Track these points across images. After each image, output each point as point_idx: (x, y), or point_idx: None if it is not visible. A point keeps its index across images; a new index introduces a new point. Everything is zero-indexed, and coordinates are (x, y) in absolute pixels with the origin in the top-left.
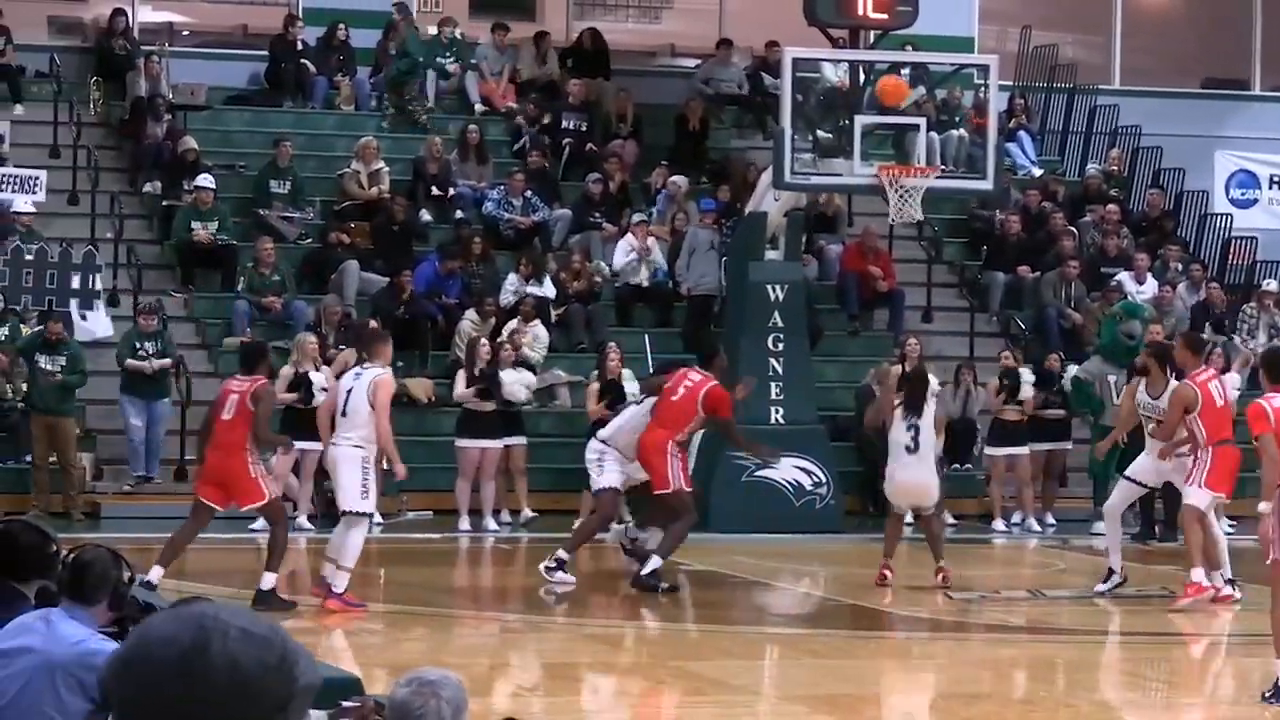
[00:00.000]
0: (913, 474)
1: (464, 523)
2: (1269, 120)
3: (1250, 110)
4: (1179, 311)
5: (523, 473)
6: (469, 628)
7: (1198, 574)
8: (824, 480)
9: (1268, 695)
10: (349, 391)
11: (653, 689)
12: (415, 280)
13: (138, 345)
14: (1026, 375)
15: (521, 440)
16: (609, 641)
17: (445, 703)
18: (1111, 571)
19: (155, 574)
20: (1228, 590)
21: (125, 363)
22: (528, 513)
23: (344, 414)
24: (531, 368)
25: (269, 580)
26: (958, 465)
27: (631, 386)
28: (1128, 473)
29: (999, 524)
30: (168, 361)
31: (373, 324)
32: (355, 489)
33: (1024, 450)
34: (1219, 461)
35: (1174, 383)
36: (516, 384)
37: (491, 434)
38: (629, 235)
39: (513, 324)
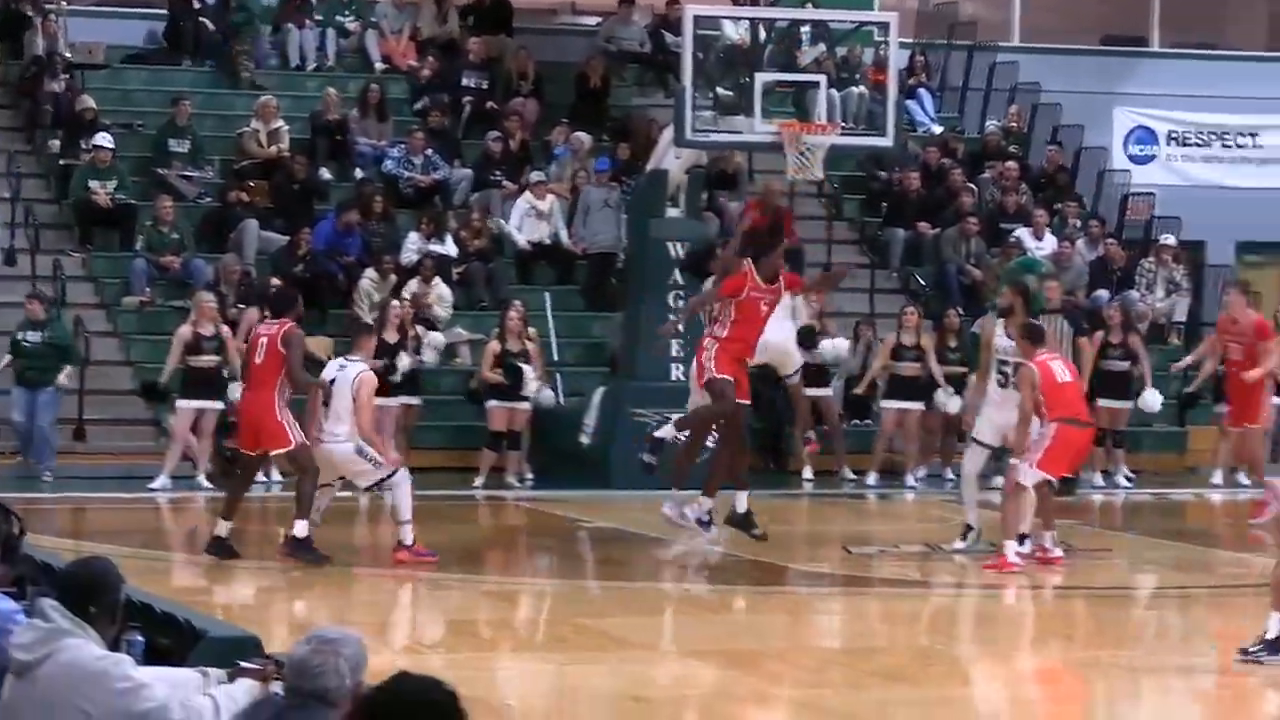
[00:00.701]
0: (772, 332)
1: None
2: (1167, 77)
3: (1149, 67)
4: (1078, 267)
5: (410, 430)
6: (369, 586)
7: (1010, 547)
8: None
9: (1253, 651)
10: (331, 383)
11: (554, 645)
12: (315, 238)
13: (20, 337)
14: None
15: (417, 400)
16: (509, 599)
17: (345, 660)
18: (969, 528)
19: (223, 528)
20: (1057, 552)
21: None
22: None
23: (326, 405)
24: (436, 327)
25: (301, 528)
26: (857, 421)
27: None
28: (973, 434)
29: (909, 479)
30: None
31: (359, 316)
32: (366, 469)
33: (919, 406)
34: (1057, 442)
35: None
36: (426, 349)
37: (389, 392)
38: (527, 194)
39: (414, 285)
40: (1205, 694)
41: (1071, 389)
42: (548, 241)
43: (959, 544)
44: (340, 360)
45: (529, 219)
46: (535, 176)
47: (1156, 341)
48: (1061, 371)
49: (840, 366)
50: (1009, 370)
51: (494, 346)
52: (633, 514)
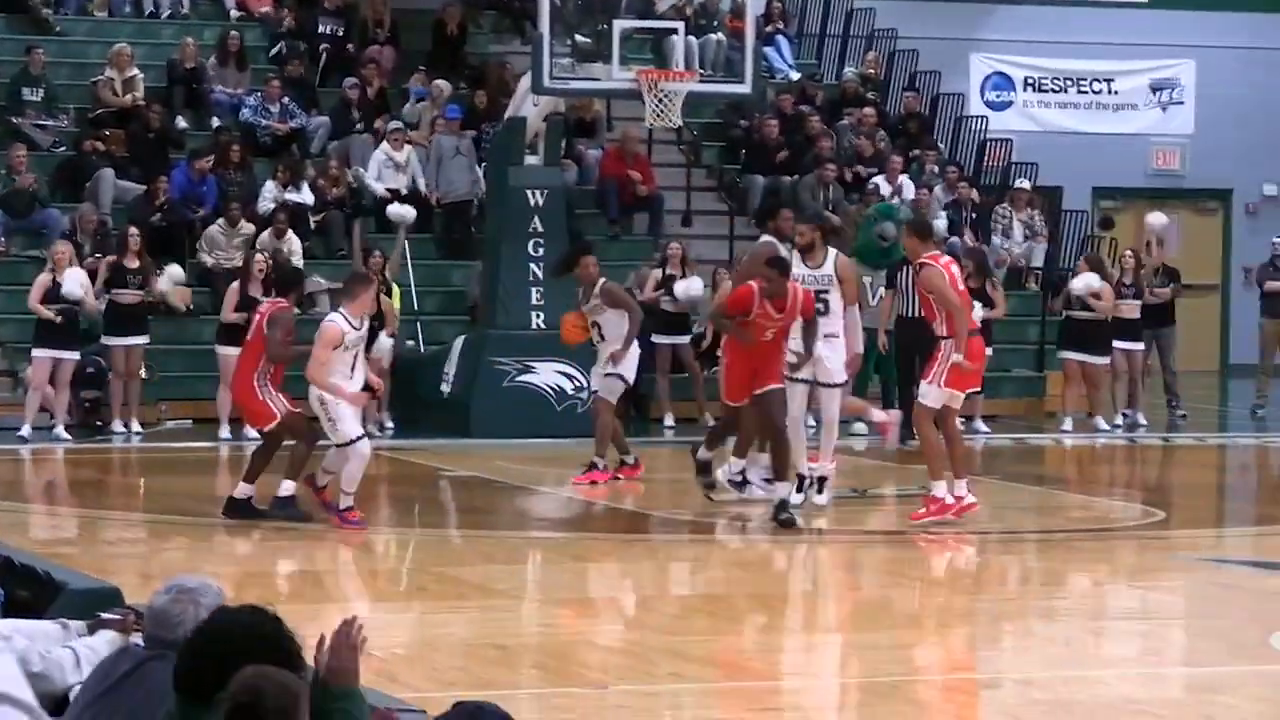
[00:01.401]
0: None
1: (224, 431)
2: (1024, 23)
3: (1005, 13)
4: (935, 213)
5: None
6: (229, 536)
7: (939, 487)
8: (585, 385)
9: None
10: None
11: (415, 594)
12: (171, 187)
13: None
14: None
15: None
16: (369, 548)
17: (204, 609)
18: (801, 477)
19: (287, 487)
20: (970, 499)
21: None
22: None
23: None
24: None
25: (287, 487)
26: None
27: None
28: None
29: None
30: None
31: (359, 268)
32: (327, 427)
33: None
34: (968, 354)
35: (833, 253)
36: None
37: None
38: (385, 143)
39: (264, 238)
40: (1064, 637)
41: (967, 299)
42: (405, 190)
43: (795, 498)
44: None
45: (387, 168)
46: (393, 126)
47: (1014, 287)
48: (961, 278)
49: (700, 312)
50: (828, 298)
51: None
52: (494, 462)
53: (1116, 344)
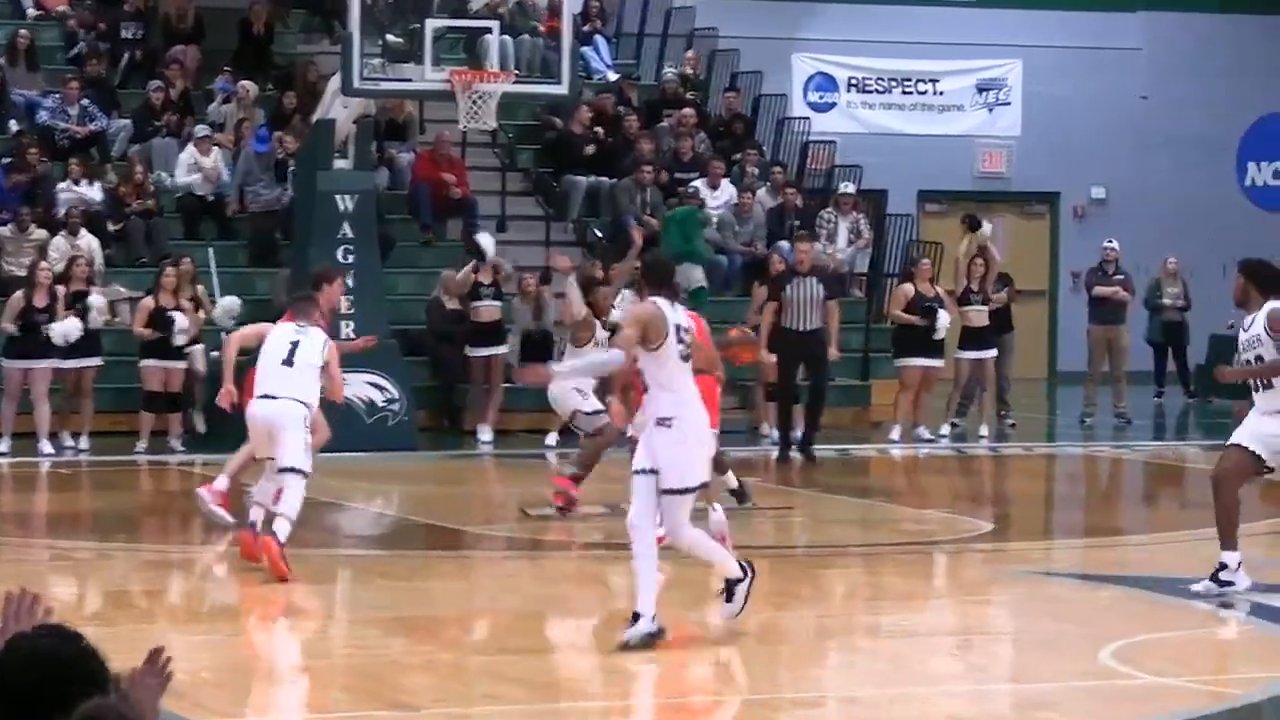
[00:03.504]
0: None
1: (4, 445)
2: (847, 23)
3: (827, 12)
4: (758, 217)
5: (90, 394)
6: (19, 555)
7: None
8: (397, 396)
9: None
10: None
11: (222, 615)
12: None
13: None
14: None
15: (96, 361)
16: (173, 568)
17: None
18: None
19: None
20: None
21: None
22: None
23: (289, 364)
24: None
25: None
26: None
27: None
28: None
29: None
30: None
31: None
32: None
33: None
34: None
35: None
36: (93, 312)
37: (47, 354)
38: (190, 146)
39: (58, 240)
40: (890, 654)
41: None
42: (211, 197)
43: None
44: (299, 323)
45: (193, 173)
46: (200, 130)
47: (838, 293)
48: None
49: (512, 323)
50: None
51: (148, 303)
52: None
53: (964, 353)
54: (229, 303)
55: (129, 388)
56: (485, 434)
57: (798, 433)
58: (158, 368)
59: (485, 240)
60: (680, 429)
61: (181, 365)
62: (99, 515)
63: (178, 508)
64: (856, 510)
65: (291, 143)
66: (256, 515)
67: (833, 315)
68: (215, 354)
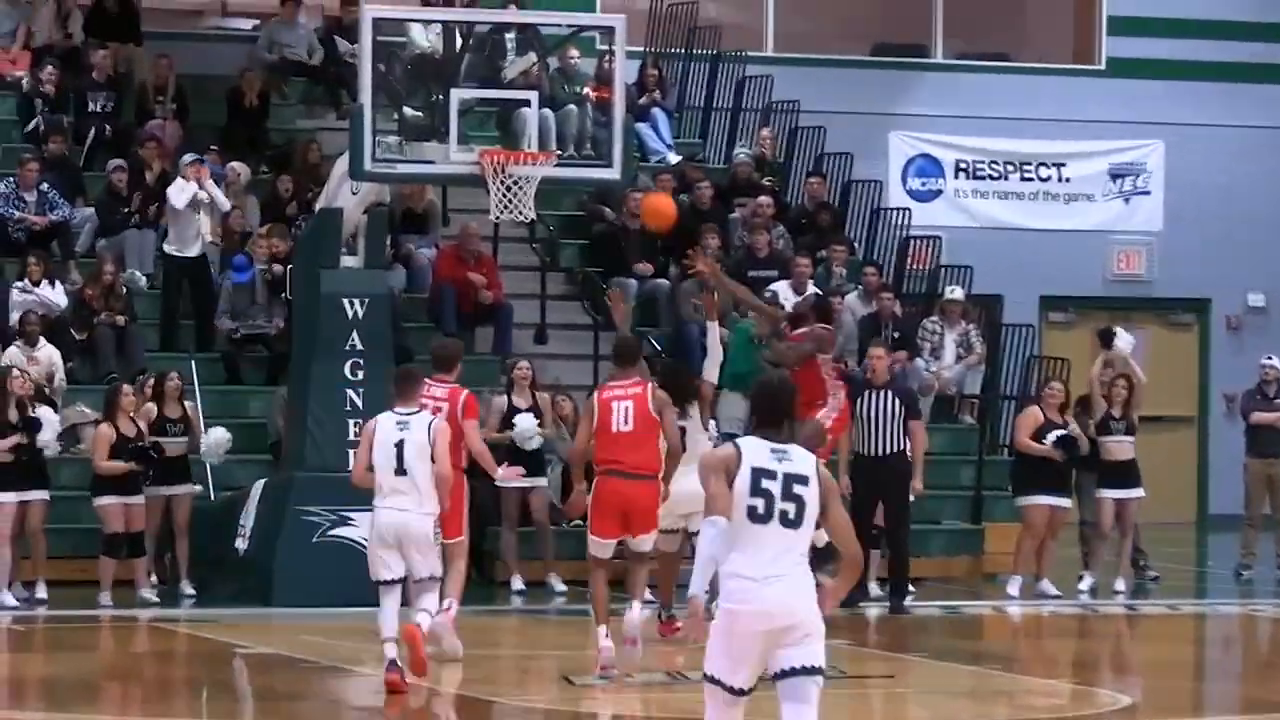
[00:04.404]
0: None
1: None
2: (954, 95)
3: (931, 83)
4: (848, 327)
5: (41, 533)
6: None
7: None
8: None
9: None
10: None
11: None
12: None
13: None
14: None
15: (44, 494)
16: None
17: None
18: None
19: None
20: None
21: None
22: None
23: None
24: (53, 402)
25: None
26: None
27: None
28: None
29: None
30: None
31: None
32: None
33: None
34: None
35: None
36: (46, 427)
37: (7, 485)
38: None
39: (13, 351)
40: None
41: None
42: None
43: None
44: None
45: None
46: None
47: (945, 419)
48: (621, 417)
49: (552, 453)
50: None
51: (106, 431)
52: (301, 637)
53: (1106, 492)
54: (217, 437)
55: (94, 529)
56: (518, 584)
57: (873, 584)
58: (118, 505)
59: (525, 424)
60: None
61: (140, 501)
62: (52, 681)
63: (160, 674)
64: (968, 680)
65: (279, 245)
66: (392, 652)
67: (917, 438)
68: (196, 488)
